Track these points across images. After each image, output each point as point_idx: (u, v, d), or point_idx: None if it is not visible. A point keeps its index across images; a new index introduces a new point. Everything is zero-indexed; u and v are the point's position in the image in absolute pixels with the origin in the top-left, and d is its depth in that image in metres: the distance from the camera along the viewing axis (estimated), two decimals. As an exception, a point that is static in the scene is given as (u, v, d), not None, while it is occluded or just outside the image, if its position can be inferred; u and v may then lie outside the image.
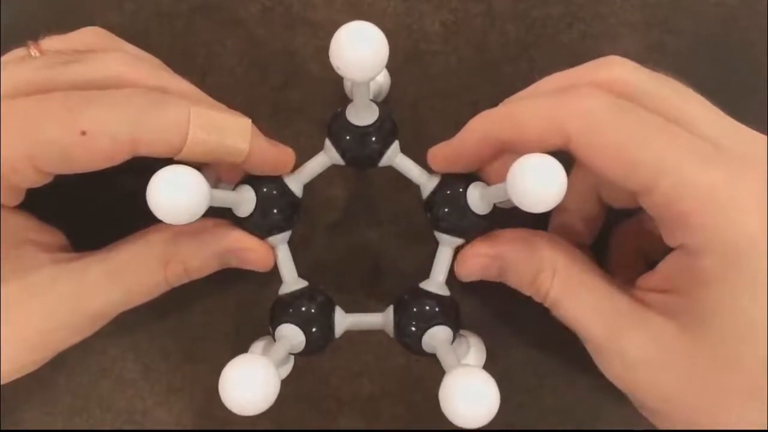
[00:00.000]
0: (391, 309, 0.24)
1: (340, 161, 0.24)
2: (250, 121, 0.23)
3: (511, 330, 0.28)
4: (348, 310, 0.24)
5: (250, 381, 0.19)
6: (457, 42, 0.29)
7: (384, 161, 0.24)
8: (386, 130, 0.24)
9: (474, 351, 0.25)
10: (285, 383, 0.28)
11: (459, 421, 0.19)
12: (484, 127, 0.23)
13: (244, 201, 0.23)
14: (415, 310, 0.23)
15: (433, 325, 0.23)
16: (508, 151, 0.23)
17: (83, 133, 0.21)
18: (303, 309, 0.23)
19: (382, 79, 0.27)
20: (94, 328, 0.24)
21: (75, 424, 0.28)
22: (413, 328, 0.23)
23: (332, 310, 0.24)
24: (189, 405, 0.28)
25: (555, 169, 0.19)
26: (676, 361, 0.21)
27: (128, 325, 0.28)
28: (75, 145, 0.21)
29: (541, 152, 0.20)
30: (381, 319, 0.24)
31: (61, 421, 0.28)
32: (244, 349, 0.25)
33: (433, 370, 0.28)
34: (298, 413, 0.28)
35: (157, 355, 0.28)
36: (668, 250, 0.22)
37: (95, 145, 0.21)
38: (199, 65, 0.29)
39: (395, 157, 0.24)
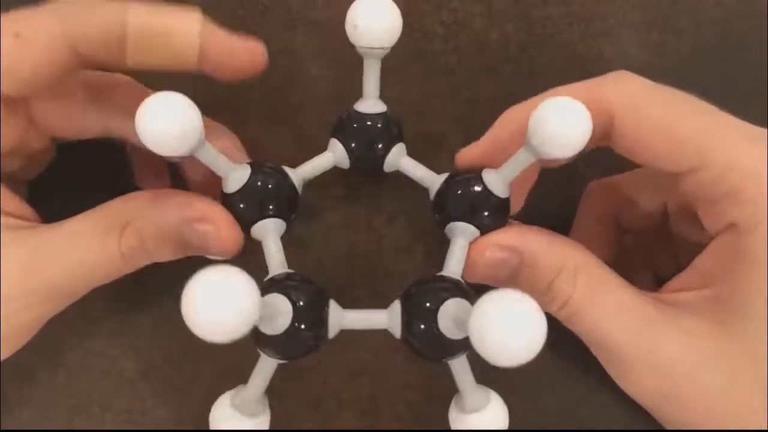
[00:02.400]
0: (397, 304, 0.21)
1: (345, 160, 0.23)
2: (199, 11, 0.21)
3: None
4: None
5: (226, 295, 0.15)
6: (457, 42, 0.29)
7: (389, 162, 0.24)
8: (392, 126, 0.23)
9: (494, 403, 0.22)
10: (285, 382, 0.28)
11: (501, 356, 0.16)
12: (518, 116, 0.22)
13: (235, 175, 0.22)
14: (426, 302, 0.20)
15: (447, 299, 0.19)
16: None
17: (17, 35, 0.20)
18: (292, 296, 0.19)
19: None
20: (53, 305, 0.22)
21: (75, 424, 0.28)
22: (422, 326, 0.20)
23: (326, 304, 0.20)
24: (189, 405, 0.28)
25: (580, 110, 0.19)
26: (714, 364, 0.19)
27: (128, 325, 0.28)
28: (9, 50, 0.20)
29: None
30: (385, 317, 0.21)
31: (61, 421, 0.28)
32: (243, 348, 0.25)
33: (433, 370, 0.28)
34: (298, 413, 0.28)
35: (157, 355, 0.28)
36: (686, 257, 0.22)
37: (30, 47, 0.20)
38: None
39: (401, 158, 0.24)
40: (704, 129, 0.20)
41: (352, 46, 0.29)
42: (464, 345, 0.20)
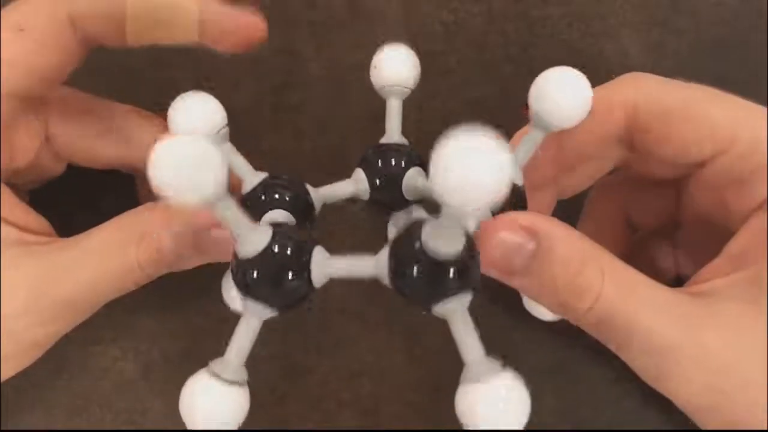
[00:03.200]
0: (385, 249, 0.19)
1: (366, 192, 0.23)
2: None
3: (511, 329, 0.28)
4: (350, 316, 0.24)
5: (191, 150, 0.16)
6: (457, 42, 0.29)
7: (408, 185, 0.23)
8: (414, 159, 0.23)
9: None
10: (285, 382, 0.28)
11: (464, 198, 0.14)
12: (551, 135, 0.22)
13: (254, 177, 0.22)
14: (413, 231, 0.18)
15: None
16: (566, 157, 0.23)
17: (21, 29, 0.20)
18: (274, 225, 0.19)
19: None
20: (67, 321, 0.22)
21: (75, 424, 0.28)
22: (406, 250, 0.18)
23: (311, 245, 0.19)
24: (189, 405, 0.28)
25: (578, 74, 0.20)
26: (759, 348, 0.18)
27: (128, 325, 0.28)
28: (17, 45, 0.20)
29: (599, 141, 0.21)
30: (372, 263, 0.19)
31: (61, 421, 0.28)
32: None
33: (433, 369, 0.28)
34: (298, 413, 0.28)
35: (157, 355, 0.28)
36: (689, 264, 0.22)
37: (35, 37, 0.20)
38: (199, 65, 0.29)
39: (419, 178, 0.23)
40: (730, 110, 0.21)
41: (352, 47, 0.29)
42: (459, 281, 0.18)
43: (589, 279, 0.19)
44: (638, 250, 0.27)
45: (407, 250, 0.18)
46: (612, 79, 0.25)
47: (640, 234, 0.27)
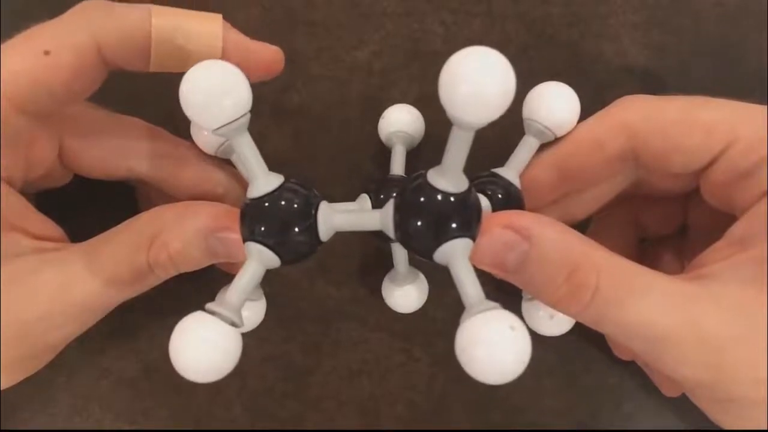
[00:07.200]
0: (390, 205, 0.19)
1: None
2: (220, 15, 0.22)
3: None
4: (350, 317, 0.24)
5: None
6: (457, 42, 0.29)
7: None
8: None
9: None
10: (285, 381, 0.28)
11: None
12: (549, 161, 0.23)
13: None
14: (422, 200, 0.18)
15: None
16: (571, 182, 0.24)
17: (46, 53, 0.20)
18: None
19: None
20: (81, 324, 0.23)
21: (75, 424, 0.28)
22: (413, 186, 0.18)
23: (318, 199, 0.20)
24: (189, 405, 0.28)
25: (566, 87, 0.22)
26: (758, 327, 0.19)
27: (128, 325, 0.28)
28: (41, 68, 0.20)
29: (601, 165, 0.22)
30: (378, 215, 0.20)
31: (61, 421, 0.28)
32: (243, 350, 0.25)
33: (433, 369, 0.28)
34: (298, 413, 0.28)
35: (157, 355, 0.28)
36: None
37: (60, 61, 0.20)
38: (199, 65, 0.29)
39: None
40: (726, 112, 0.21)
41: (352, 47, 0.29)
42: (460, 222, 0.18)
43: (583, 278, 0.19)
44: (645, 257, 0.27)
45: (411, 195, 0.18)
46: (611, 78, 0.25)
47: (647, 242, 0.27)
